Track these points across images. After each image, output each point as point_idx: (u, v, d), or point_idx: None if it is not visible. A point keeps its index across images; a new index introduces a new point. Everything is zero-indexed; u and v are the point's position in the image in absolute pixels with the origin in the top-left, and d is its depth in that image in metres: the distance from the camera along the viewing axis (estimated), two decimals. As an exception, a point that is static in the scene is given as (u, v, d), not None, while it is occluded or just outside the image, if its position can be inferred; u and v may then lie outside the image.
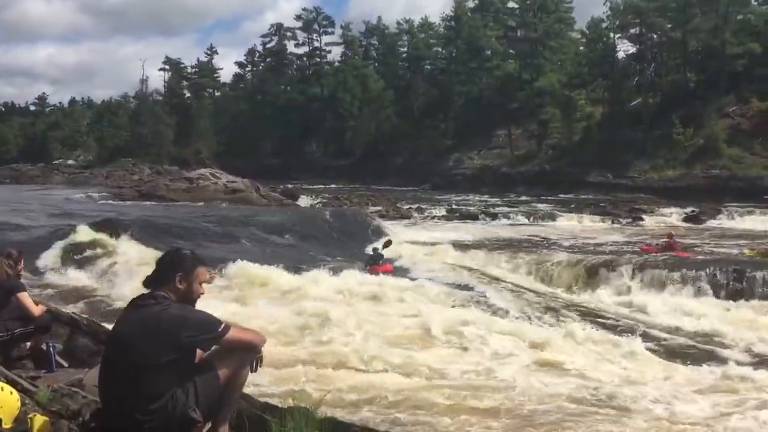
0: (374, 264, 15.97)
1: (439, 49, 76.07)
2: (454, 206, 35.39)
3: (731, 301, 13.74)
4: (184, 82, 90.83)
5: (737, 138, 46.09)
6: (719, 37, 50.34)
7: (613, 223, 29.20)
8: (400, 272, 16.39)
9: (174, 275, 3.49)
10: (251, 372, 3.64)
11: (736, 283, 14.56)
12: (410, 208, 33.90)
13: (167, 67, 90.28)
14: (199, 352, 3.49)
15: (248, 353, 3.57)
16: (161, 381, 3.27)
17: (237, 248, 17.84)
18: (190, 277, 3.52)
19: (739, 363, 9.55)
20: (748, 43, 50.26)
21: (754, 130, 46.51)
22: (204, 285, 3.63)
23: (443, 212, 32.54)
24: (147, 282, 3.55)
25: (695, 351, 10.55)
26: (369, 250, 19.40)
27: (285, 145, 75.39)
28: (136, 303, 3.46)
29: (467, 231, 25.28)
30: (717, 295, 14.22)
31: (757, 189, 40.11)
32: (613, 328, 11.70)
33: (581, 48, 65.11)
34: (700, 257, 17.98)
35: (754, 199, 37.07)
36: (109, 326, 5.06)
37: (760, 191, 39.73)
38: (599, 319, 12.50)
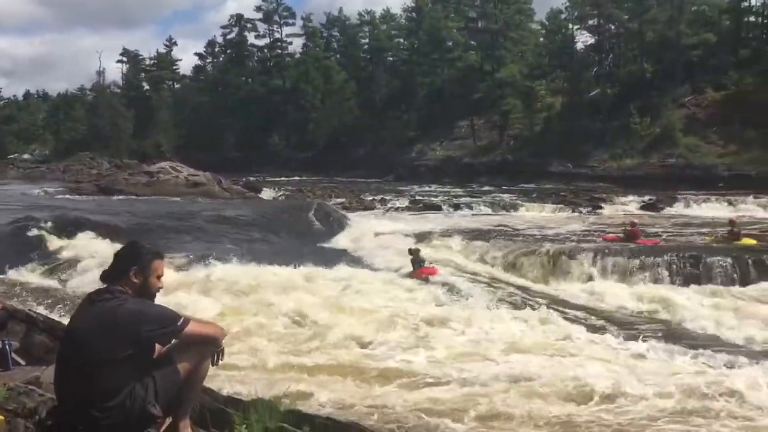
0: (420, 267, 15.27)
1: (401, 41, 76.08)
2: (417, 197, 35.49)
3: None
4: (143, 74, 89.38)
5: (693, 127, 47.04)
6: (674, 28, 51.25)
7: (573, 212, 29.60)
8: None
9: (129, 269, 3.44)
10: (212, 365, 3.61)
11: (692, 269, 15.00)
12: (373, 199, 33.89)
13: (125, 59, 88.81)
14: (158, 346, 3.45)
15: (208, 347, 3.54)
16: (118, 377, 3.23)
17: (212, 245, 17.52)
18: (146, 271, 3.47)
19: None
20: (702, 33, 51.33)
21: (708, 120, 47.52)
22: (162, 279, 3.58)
23: (406, 203, 32.57)
24: (103, 276, 3.49)
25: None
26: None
27: (247, 138, 74.72)
28: (91, 298, 3.40)
29: (431, 222, 25.38)
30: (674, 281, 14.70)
31: (711, 177, 41.06)
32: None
33: (541, 39, 65.71)
34: (669, 243, 18.43)
35: (709, 186, 37.94)
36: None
37: (715, 179, 40.70)
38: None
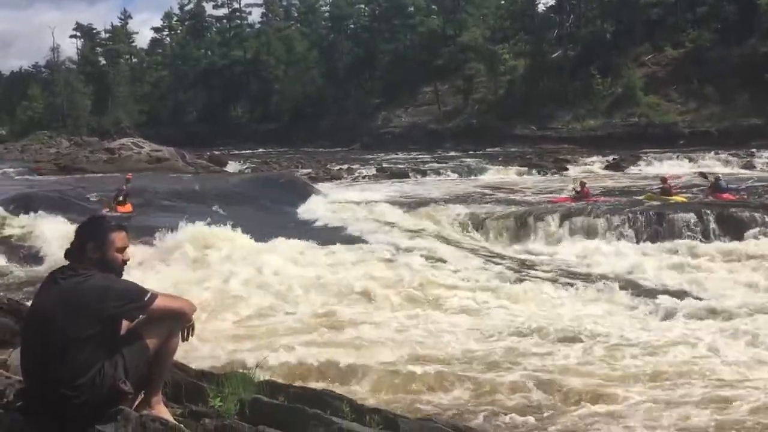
0: None
1: (362, 7, 75.21)
2: (384, 165, 35.44)
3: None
4: (99, 49, 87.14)
5: (653, 86, 47.56)
6: (633, -13, 51.46)
7: (539, 174, 29.87)
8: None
9: (86, 243, 3.37)
10: (182, 341, 3.57)
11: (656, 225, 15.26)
12: (340, 168, 33.76)
13: (79, 33, 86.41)
14: (125, 322, 3.40)
15: (178, 322, 3.49)
16: (86, 355, 3.16)
17: (176, 219, 17.21)
18: (104, 245, 3.38)
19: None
20: (661, -9, 51.64)
21: (669, 78, 48.07)
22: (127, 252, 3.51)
23: (373, 171, 32.55)
24: (66, 253, 3.41)
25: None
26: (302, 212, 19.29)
27: (210, 111, 73.65)
28: (54, 276, 3.31)
29: (399, 189, 25.39)
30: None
31: (672, 134, 41.71)
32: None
33: (502, 2, 65.49)
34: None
35: (670, 144, 38.58)
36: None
37: (676, 137, 41.36)
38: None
